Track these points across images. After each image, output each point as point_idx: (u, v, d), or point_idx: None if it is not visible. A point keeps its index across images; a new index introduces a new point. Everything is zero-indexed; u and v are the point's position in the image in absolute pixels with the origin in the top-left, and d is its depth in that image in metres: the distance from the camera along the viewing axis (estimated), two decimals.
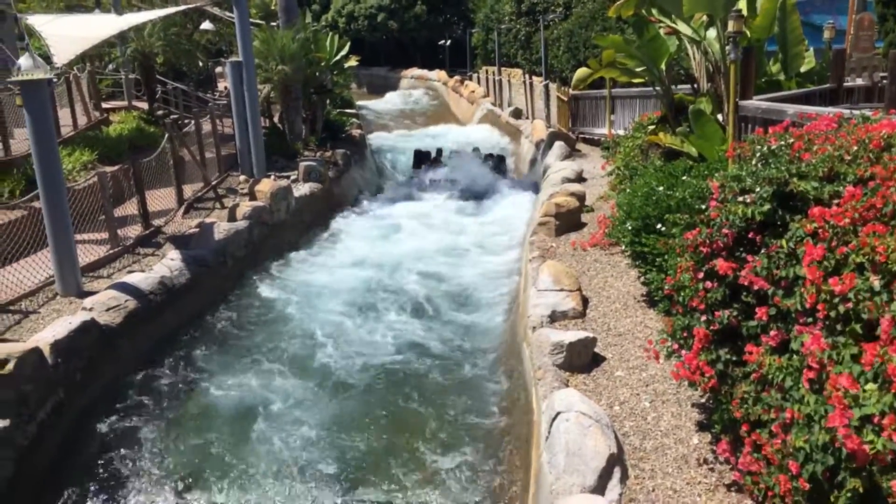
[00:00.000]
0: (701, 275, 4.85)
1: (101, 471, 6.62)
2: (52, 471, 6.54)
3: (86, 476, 6.51)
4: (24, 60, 8.78)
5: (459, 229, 14.83)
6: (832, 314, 3.68)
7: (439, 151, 22.00)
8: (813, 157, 4.57)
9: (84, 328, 7.44)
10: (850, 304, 3.56)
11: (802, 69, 11.64)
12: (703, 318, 4.80)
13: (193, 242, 11.04)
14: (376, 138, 25.77)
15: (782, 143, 4.93)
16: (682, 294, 5.11)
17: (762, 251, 4.36)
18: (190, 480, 6.55)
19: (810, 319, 3.91)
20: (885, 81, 10.13)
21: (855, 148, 4.37)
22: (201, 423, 7.42)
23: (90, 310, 8.09)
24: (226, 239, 11.31)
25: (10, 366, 6.16)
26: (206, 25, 22.51)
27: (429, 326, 9.87)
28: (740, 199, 4.63)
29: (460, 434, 7.16)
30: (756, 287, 4.28)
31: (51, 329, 7.31)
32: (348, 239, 14.43)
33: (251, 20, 16.94)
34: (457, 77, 39.06)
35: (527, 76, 24.52)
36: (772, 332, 4.21)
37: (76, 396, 7.15)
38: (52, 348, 6.91)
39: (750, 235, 4.52)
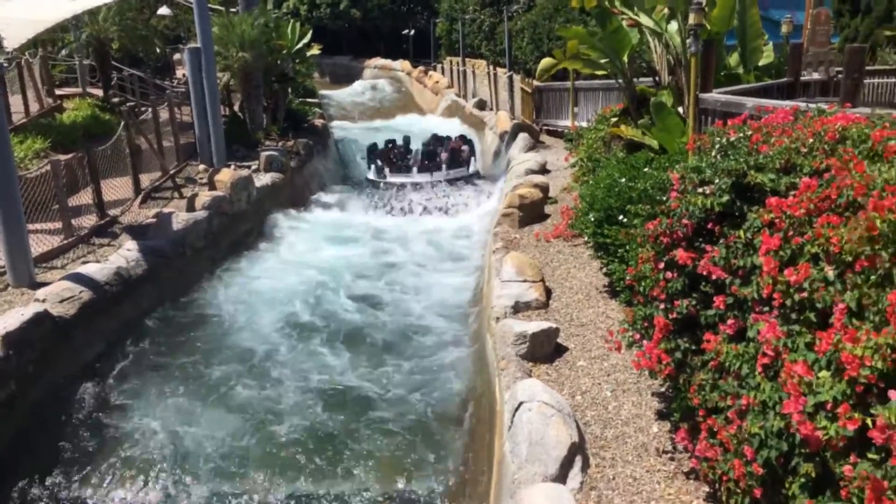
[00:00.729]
0: (661, 265, 4.89)
1: (54, 465, 6.47)
2: (4, 465, 6.37)
3: (38, 470, 6.36)
4: None
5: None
6: (787, 303, 3.74)
7: (405, 141, 19.06)
8: (770, 149, 4.64)
9: (37, 320, 7.24)
10: (805, 294, 3.62)
11: (761, 63, 11.83)
12: (663, 307, 4.85)
13: (151, 232, 10.81)
14: (340, 128, 25.54)
15: (741, 135, 4.99)
16: (643, 284, 5.16)
17: (720, 241, 4.41)
18: (143, 473, 6.44)
19: (766, 308, 3.96)
20: (840, 76, 10.36)
21: (811, 140, 4.44)
22: (157, 413, 7.29)
23: (43, 301, 7.86)
24: (185, 229, 11.11)
25: None
26: (164, 11, 22.02)
27: (389, 321, 9.85)
28: (700, 190, 4.67)
29: (423, 423, 7.15)
30: (714, 276, 4.34)
31: (1, 320, 7.09)
32: (310, 230, 14.30)
33: (210, 6, 16.60)
34: (421, 67, 38.90)
35: (491, 67, 24.53)
36: (729, 321, 4.27)
37: (29, 389, 6.96)
38: (3, 340, 6.71)
39: (709, 226, 4.58)
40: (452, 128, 24.27)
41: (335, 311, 10.02)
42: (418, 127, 24.26)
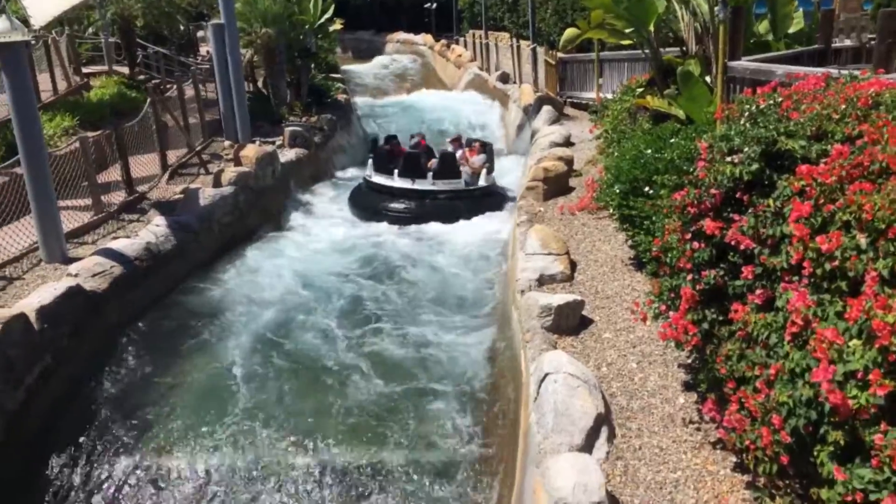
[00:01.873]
0: (688, 235, 4.86)
1: (88, 436, 6.64)
2: (41, 436, 6.55)
3: (73, 441, 6.52)
4: (0, 22, 8.56)
5: None
6: (818, 272, 3.70)
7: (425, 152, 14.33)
8: (801, 116, 4.56)
9: (69, 294, 7.39)
10: (836, 262, 3.58)
11: (791, 30, 11.56)
12: (690, 278, 4.83)
13: (179, 208, 10.93)
14: (362, 104, 25.50)
15: (771, 102, 4.91)
16: (670, 255, 5.13)
17: (749, 211, 4.37)
18: (174, 444, 6.58)
19: (795, 277, 3.93)
20: (873, 42, 10.09)
21: (843, 107, 4.36)
22: (187, 387, 7.43)
23: (75, 276, 8.02)
24: (211, 205, 11.22)
25: None
26: None
27: (415, 296, 9.89)
28: (728, 159, 4.62)
29: (450, 396, 7.21)
30: (742, 246, 4.30)
31: (36, 295, 7.26)
32: (334, 206, 14.34)
33: None
34: (443, 41, 38.56)
35: (514, 40, 24.25)
36: (757, 291, 4.24)
37: (63, 362, 7.12)
38: (38, 314, 6.86)
39: (737, 195, 4.53)
40: (474, 102, 24.08)
41: (350, 284, 10.11)
42: (441, 104, 24.09)
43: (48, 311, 7.00)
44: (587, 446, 5.15)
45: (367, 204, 13.60)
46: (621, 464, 4.97)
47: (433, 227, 12.65)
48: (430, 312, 9.26)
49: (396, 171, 13.49)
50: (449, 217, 12.85)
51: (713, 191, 4.59)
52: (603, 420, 5.35)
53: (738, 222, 4.33)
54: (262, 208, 12.83)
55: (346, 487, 6.10)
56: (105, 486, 6.19)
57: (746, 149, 4.49)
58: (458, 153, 14.16)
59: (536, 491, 4.72)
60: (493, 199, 13.62)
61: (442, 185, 13.28)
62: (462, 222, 12.81)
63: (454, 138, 14.94)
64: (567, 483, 4.48)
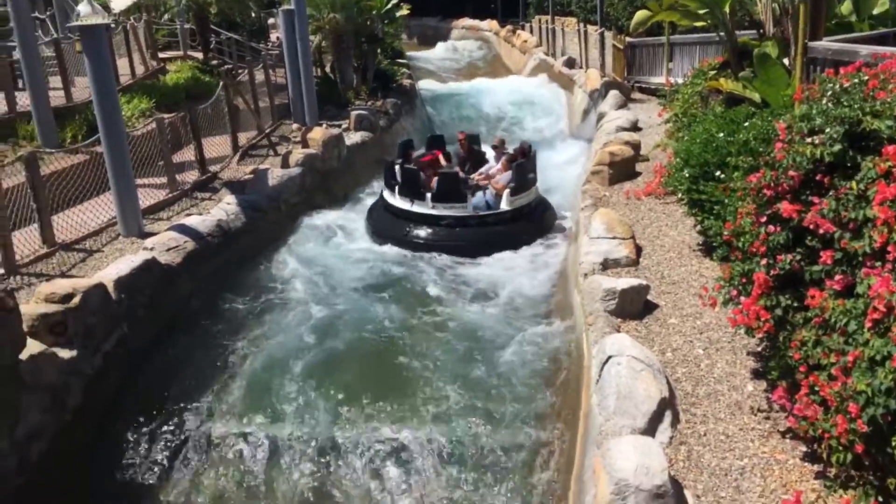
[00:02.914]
0: (763, 219, 4.72)
1: (161, 401, 6.90)
2: (117, 401, 6.84)
3: (148, 407, 6.79)
4: (82, 7, 8.92)
5: None
6: None
7: (469, 141, 12.02)
8: (888, 95, 4.36)
9: (146, 267, 7.69)
10: None
11: (875, 11, 11.01)
12: (764, 262, 4.69)
13: (248, 188, 11.22)
14: (427, 89, 25.54)
15: (856, 81, 4.70)
16: (742, 239, 5.00)
17: (830, 193, 4.21)
18: (242, 411, 6.79)
19: (878, 262, 3.78)
20: None
21: None
22: (254, 356, 7.64)
23: (151, 249, 8.34)
24: (280, 185, 11.46)
25: (77, 299, 6.41)
26: None
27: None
28: (808, 140, 4.45)
29: (511, 379, 7.19)
30: (822, 230, 4.15)
31: (114, 267, 7.57)
32: None
33: None
34: (509, 27, 38.22)
35: (581, 25, 23.86)
36: (836, 276, 4.09)
37: (139, 331, 7.41)
38: (116, 285, 7.16)
39: (817, 177, 4.36)
40: (539, 86, 23.77)
41: (410, 265, 10.19)
42: (505, 88, 23.84)
43: (125, 283, 7.30)
44: (650, 430, 5.08)
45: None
46: (685, 449, 4.89)
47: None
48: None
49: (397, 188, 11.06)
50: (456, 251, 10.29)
51: (791, 172, 4.43)
52: (667, 405, 5.26)
53: (818, 205, 4.17)
54: (327, 190, 13.03)
55: (410, 461, 6.19)
56: (174, 449, 6.42)
57: (828, 129, 4.32)
58: (491, 167, 11.53)
59: (597, 472, 4.68)
60: (524, 225, 10.72)
61: (444, 210, 10.60)
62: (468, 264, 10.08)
63: (497, 143, 11.86)
64: (629, 465, 4.43)
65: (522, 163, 10.97)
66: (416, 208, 10.73)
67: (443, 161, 11.92)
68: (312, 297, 8.98)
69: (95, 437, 6.41)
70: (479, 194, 10.71)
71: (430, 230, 10.62)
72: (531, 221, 10.95)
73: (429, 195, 10.61)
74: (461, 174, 11.23)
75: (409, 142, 12.59)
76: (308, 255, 10.44)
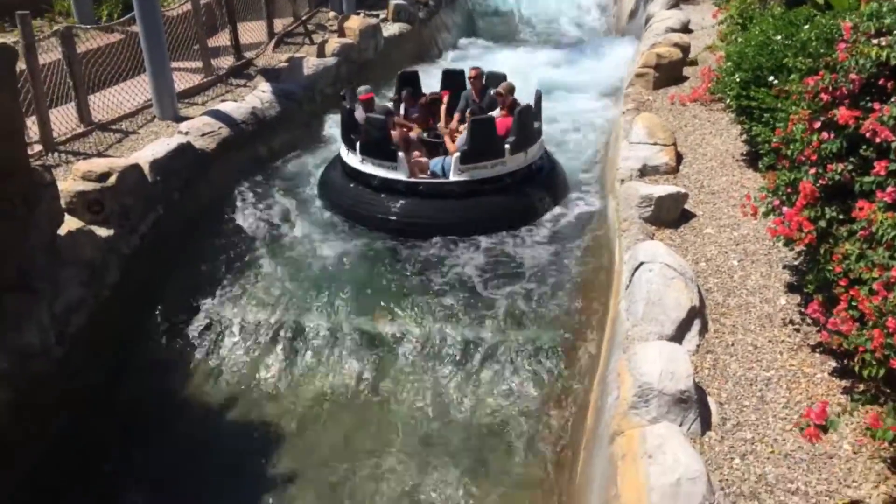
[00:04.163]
0: (817, 125, 4.50)
1: (195, 283, 7.06)
2: (154, 282, 7.00)
3: (182, 287, 6.96)
4: None
5: None
6: None
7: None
8: None
9: (181, 150, 7.69)
10: None
11: None
12: (813, 172, 4.51)
13: (283, 76, 11.02)
14: None
15: None
16: (792, 147, 4.79)
17: (892, 99, 3.96)
18: (275, 301, 6.92)
19: None
20: None
21: None
22: (286, 244, 7.71)
23: (186, 133, 8.32)
24: (315, 75, 11.25)
25: (113, 179, 6.46)
26: None
27: None
28: (875, 41, 4.16)
29: (539, 277, 7.18)
30: (879, 139, 3.94)
31: (150, 148, 7.59)
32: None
33: None
34: None
35: None
36: (889, 189, 3.92)
37: (174, 215, 7.49)
38: (152, 166, 7.20)
39: (880, 82, 4.11)
40: None
41: None
42: None
43: (161, 165, 7.33)
44: (677, 337, 5.07)
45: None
46: (711, 357, 4.88)
47: None
48: None
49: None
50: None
51: (853, 76, 4.18)
52: (696, 313, 5.22)
53: (878, 111, 3.94)
54: (363, 82, 12.73)
55: (446, 355, 6.32)
56: (204, 330, 6.63)
57: None
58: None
59: (621, 374, 4.71)
60: (515, 197, 8.15)
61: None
62: None
63: (505, 90, 8.42)
64: (654, 368, 4.44)
65: (526, 108, 8.25)
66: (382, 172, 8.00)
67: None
68: None
69: (132, 313, 6.60)
70: (438, 157, 8.23)
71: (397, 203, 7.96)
72: (530, 190, 8.27)
73: (401, 154, 7.95)
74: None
75: (411, 74, 9.77)
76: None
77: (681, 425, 4.24)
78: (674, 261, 5.61)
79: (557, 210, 8.39)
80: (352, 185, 8.22)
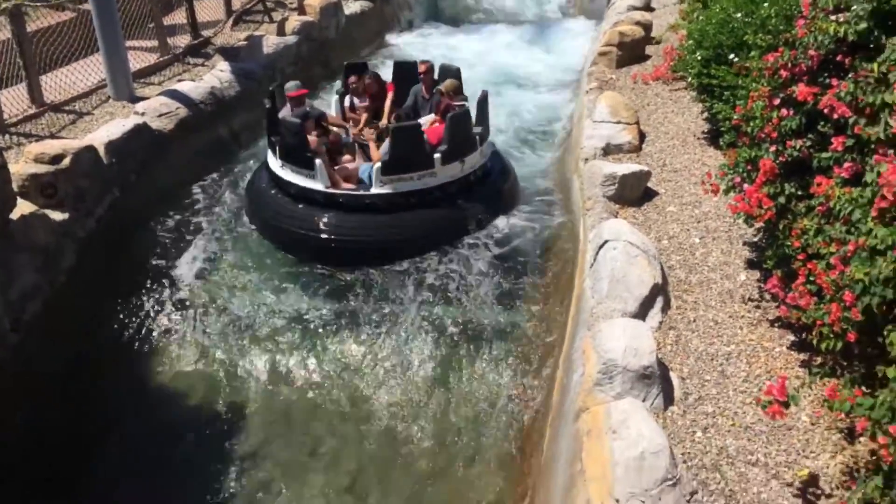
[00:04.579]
0: (777, 101, 4.54)
1: (156, 267, 6.92)
2: (110, 265, 6.84)
3: (139, 273, 6.82)
4: None
5: None
6: None
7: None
8: None
9: (137, 131, 7.51)
10: None
11: None
12: (773, 148, 4.56)
13: (243, 55, 10.79)
14: None
15: None
16: (752, 124, 4.84)
17: (849, 76, 4.01)
18: (233, 279, 6.83)
19: (892, 150, 3.65)
20: None
21: None
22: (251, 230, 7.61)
23: (142, 114, 8.11)
24: (275, 53, 11.03)
25: (67, 161, 6.29)
26: None
27: None
28: (833, 17, 4.20)
29: (504, 263, 7.16)
30: (836, 114, 3.98)
31: (105, 130, 7.39)
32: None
33: None
34: None
35: None
36: (845, 164, 3.97)
37: (131, 197, 7.33)
38: (107, 148, 7.02)
39: (838, 58, 4.15)
40: None
41: None
42: None
43: (116, 146, 7.15)
44: (641, 314, 5.12)
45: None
46: (674, 334, 4.94)
47: None
48: None
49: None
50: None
51: (811, 52, 4.22)
52: (659, 290, 5.27)
53: (836, 87, 3.99)
54: (325, 62, 12.57)
55: (411, 339, 6.30)
56: (166, 310, 6.54)
57: (855, 6, 4.06)
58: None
59: (586, 351, 4.74)
60: (453, 210, 7.37)
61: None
62: None
63: (424, 68, 7.92)
64: (618, 345, 4.47)
65: (460, 115, 7.34)
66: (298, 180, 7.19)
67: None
68: None
69: (89, 299, 6.45)
70: (367, 164, 7.43)
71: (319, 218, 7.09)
72: (466, 204, 7.43)
73: (318, 161, 7.06)
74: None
75: (359, 66, 8.72)
76: None
77: (644, 400, 4.29)
78: (637, 239, 5.65)
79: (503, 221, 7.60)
80: (273, 192, 7.37)
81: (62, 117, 8.28)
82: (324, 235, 6.96)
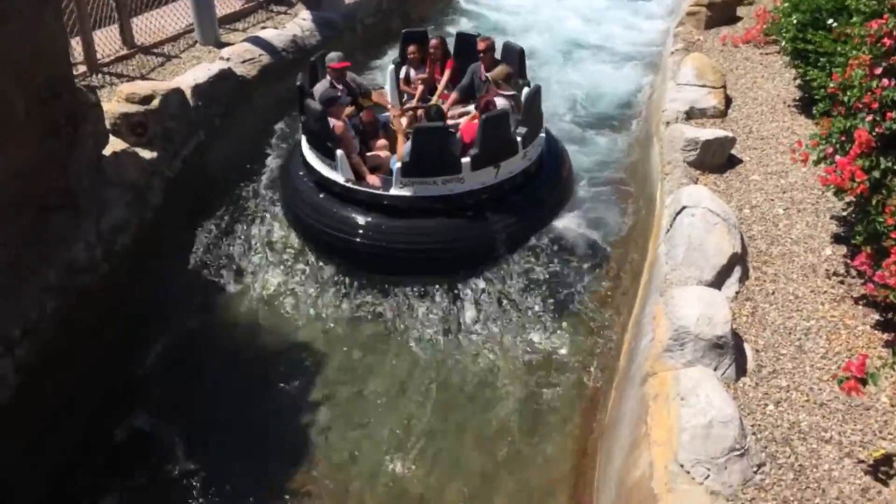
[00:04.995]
0: (878, 71, 4.32)
1: (237, 209, 7.12)
2: (197, 205, 7.07)
3: (223, 213, 7.02)
4: None
5: None
6: None
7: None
8: None
9: (222, 76, 7.68)
10: None
11: None
12: (870, 119, 4.36)
13: (324, 4, 10.80)
14: None
15: None
16: (850, 93, 4.63)
17: None
18: None
19: None
20: None
21: None
22: None
23: (227, 60, 8.27)
24: (355, 4, 11.04)
25: (156, 102, 6.50)
26: None
27: None
28: None
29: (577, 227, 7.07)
30: None
31: (192, 73, 7.59)
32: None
33: None
34: None
35: None
36: None
37: (215, 140, 7.53)
38: (194, 91, 7.21)
39: None
40: None
41: None
42: None
43: (202, 90, 7.34)
44: (716, 283, 5.03)
45: None
46: (750, 305, 4.84)
47: None
48: None
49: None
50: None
51: None
52: (738, 260, 5.16)
53: None
54: (406, 14, 12.49)
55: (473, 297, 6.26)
56: (246, 252, 6.71)
57: None
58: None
59: (657, 317, 4.71)
60: (494, 217, 6.50)
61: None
62: None
63: (484, 46, 7.08)
64: (691, 312, 4.43)
65: (495, 116, 6.39)
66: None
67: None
68: None
69: (174, 236, 6.71)
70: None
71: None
72: (495, 216, 6.46)
73: (339, 152, 6.37)
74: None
75: (419, 35, 7.82)
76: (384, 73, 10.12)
77: (715, 370, 4.25)
78: (717, 206, 5.52)
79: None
80: (300, 175, 6.81)
81: (151, 59, 8.54)
82: (335, 232, 6.35)
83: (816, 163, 4.95)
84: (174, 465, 4.96)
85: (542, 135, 7.06)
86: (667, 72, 8.79)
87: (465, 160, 6.28)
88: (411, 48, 7.51)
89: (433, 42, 7.47)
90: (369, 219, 6.31)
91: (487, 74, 6.83)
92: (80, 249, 5.40)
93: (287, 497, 4.74)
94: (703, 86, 7.67)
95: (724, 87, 7.72)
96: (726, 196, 6.03)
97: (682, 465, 3.67)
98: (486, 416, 5.31)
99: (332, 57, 6.97)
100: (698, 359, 4.30)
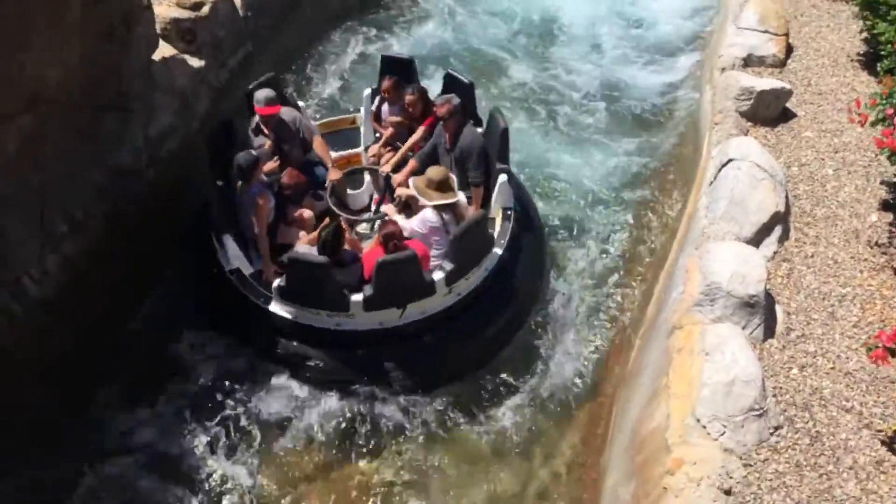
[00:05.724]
0: None
1: None
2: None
3: None
4: None
5: None
6: None
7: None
8: None
9: None
10: None
11: None
12: None
13: None
14: None
15: None
16: None
17: None
18: None
19: None
20: None
21: None
22: None
23: None
24: None
25: (206, 9, 6.42)
26: None
27: None
28: None
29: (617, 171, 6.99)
30: None
31: None
32: None
33: None
34: None
35: None
36: None
37: (263, 52, 7.45)
38: (244, 1, 7.09)
39: None
40: None
41: None
42: None
43: (252, 1, 7.21)
44: (755, 241, 4.99)
45: None
46: (787, 266, 4.82)
47: None
48: None
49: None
50: None
51: None
52: (779, 219, 5.11)
53: None
54: None
55: None
56: None
57: None
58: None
59: (690, 270, 4.72)
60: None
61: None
62: None
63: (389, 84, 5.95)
64: (725, 268, 4.43)
65: (395, 262, 4.83)
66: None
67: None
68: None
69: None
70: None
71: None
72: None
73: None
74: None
75: (403, 62, 6.22)
76: None
77: (743, 328, 4.28)
78: (765, 161, 5.42)
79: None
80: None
81: None
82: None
83: (874, 124, 4.82)
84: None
85: (496, 250, 5.26)
86: (727, 13, 8.43)
87: (356, 298, 4.88)
88: (385, 85, 5.95)
89: (409, 99, 5.80)
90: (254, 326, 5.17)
91: (410, 181, 5.29)
92: (128, 153, 5.49)
93: None
94: (765, 31, 7.36)
95: (787, 34, 7.40)
96: (776, 151, 5.90)
97: (698, 420, 3.75)
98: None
99: (259, 99, 5.48)
100: (727, 316, 4.33)
